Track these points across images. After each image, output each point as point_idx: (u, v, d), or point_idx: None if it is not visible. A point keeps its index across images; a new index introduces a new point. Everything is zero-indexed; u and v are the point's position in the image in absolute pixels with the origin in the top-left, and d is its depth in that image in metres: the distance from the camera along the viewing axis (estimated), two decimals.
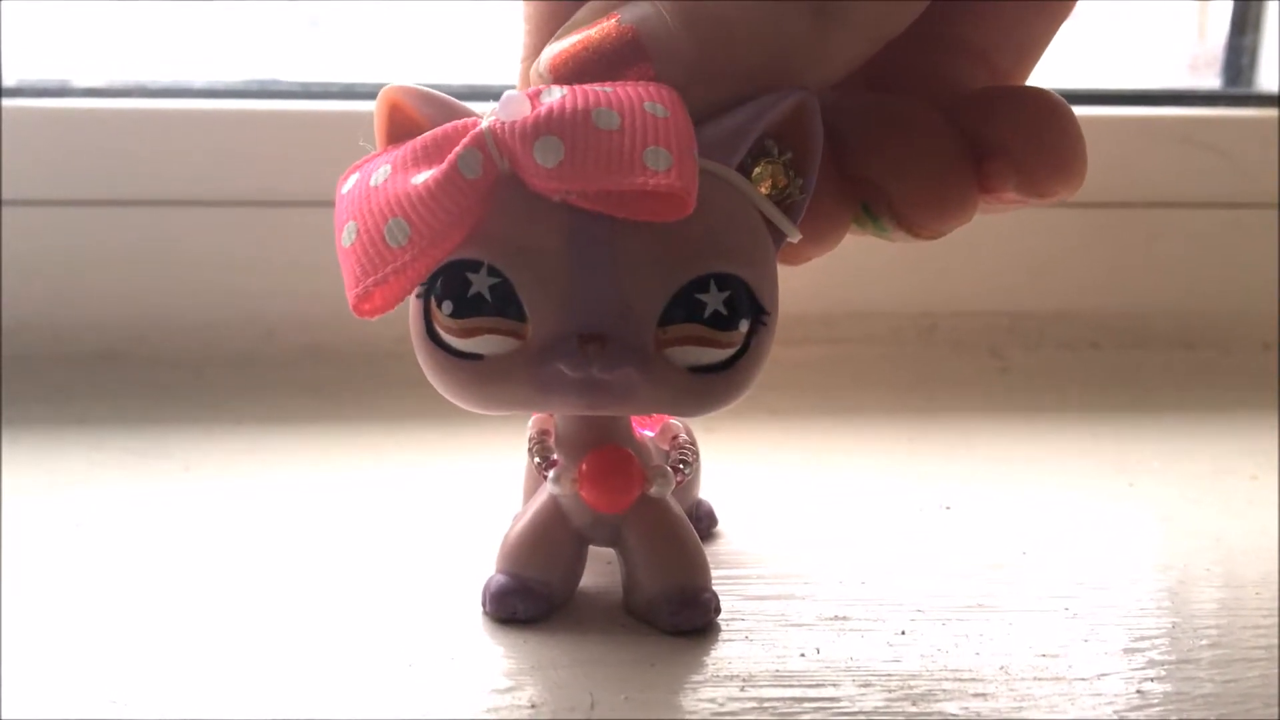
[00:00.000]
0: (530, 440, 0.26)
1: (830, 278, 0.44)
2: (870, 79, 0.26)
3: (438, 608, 0.27)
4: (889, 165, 0.24)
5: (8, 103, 0.41)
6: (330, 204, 0.23)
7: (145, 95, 0.43)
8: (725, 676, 0.24)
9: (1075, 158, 0.24)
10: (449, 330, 0.22)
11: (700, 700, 0.23)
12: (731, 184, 0.23)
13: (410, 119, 0.23)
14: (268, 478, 0.34)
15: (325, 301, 0.34)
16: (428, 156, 0.22)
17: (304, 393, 0.41)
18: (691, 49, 0.22)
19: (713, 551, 0.29)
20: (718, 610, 0.26)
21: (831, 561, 0.29)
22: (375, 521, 0.31)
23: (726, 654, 0.25)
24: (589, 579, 0.27)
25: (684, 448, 0.27)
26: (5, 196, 0.41)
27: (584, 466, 0.25)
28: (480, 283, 0.22)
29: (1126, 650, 0.26)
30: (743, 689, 0.24)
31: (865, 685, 0.24)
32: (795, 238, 0.24)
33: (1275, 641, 0.26)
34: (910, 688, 0.24)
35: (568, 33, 0.23)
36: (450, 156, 0.21)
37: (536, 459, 0.26)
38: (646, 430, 0.28)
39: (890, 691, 0.24)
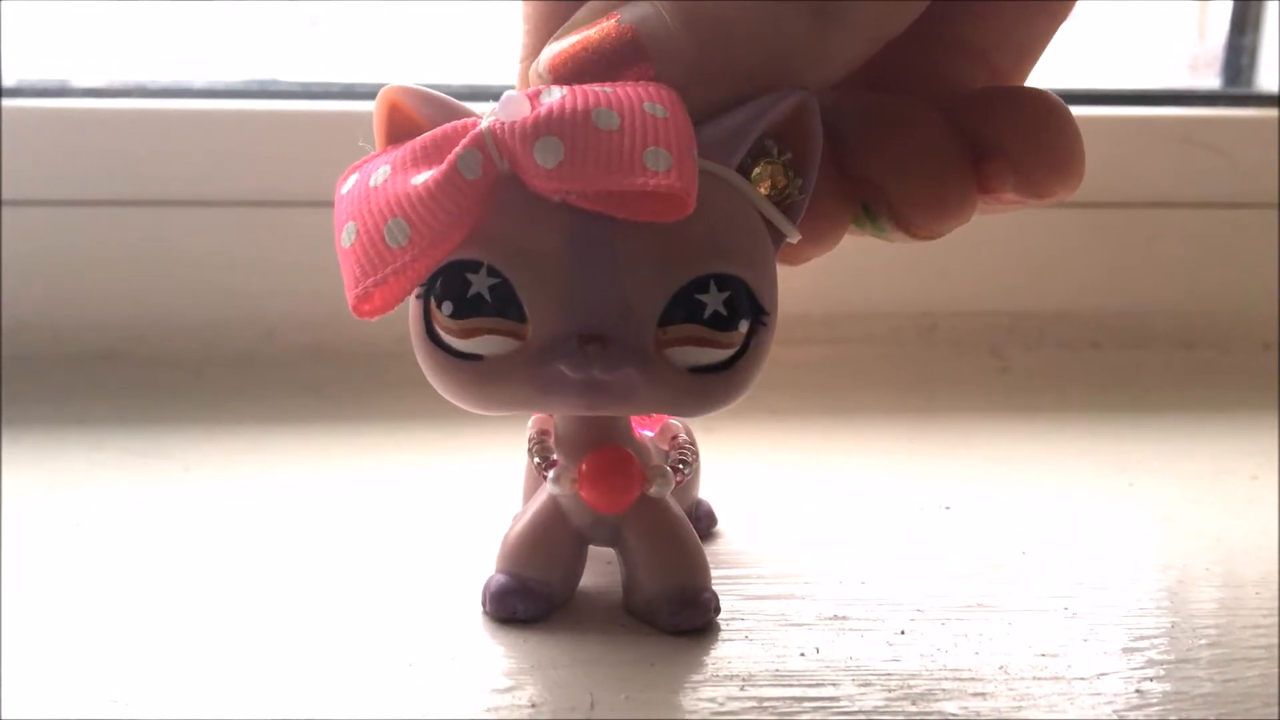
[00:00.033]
0: (530, 440, 0.26)
1: (830, 278, 0.44)
2: (870, 79, 0.26)
3: (438, 607, 0.27)
4: (889, 165, 0.24)
5: (8, 103, 0.41)
6: (330, 204, 0.23)
7: (145, 95, 0.43)
8: (725, 676, 0.24)
9: (1073, 158, 0.24)
10: (449, 331, 0.22)
11: (700, 700, 0.23)
12: (731, 184, 0.23)
13: (410, 119, 0.23)
14: (268, 478, 0.34)
15: (325, 301, 0.34)
16: (427, 157, 0.22)
17: (304, 393, 0.41)
18: (691, 49, 0.22)
19: (712, 551, 0.29)
20: (717, 610, 0.26)
21: (831, 561, 0.29)
22: (375, 521, 0.31)
23: (726, 653, 0.25)
24: (589, 579, 0.27)
25: (684, 448, 0.27)
26: (5, 196, 0.41)
27: (584, 466, 0.25)
28: (480, 283, 0.22)
29: (1126, 650, 0.26)
30: (742, 688, 0.24)
31: (865, 685, 0.24)
32: (795, 238, 0.24)
33: (1275, 641, 0.26)
34: (910, 687, 0.24)
35: (567, 33, 0.23)
36: (450, 157, 0.21)
37: (536, 459, 0.26)
38: (646, 430, 0.28)
39: (890, 691, 0.24)
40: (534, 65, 0.24)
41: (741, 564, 0.29)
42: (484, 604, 0.26)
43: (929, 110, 0.25)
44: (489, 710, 0.23)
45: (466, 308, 0.22)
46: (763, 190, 0.23)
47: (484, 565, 0.27)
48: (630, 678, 0.24)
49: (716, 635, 0.26)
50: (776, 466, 0.36)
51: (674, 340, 0.22)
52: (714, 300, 0.22)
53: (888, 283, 0.45)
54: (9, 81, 0.43)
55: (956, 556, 0.30)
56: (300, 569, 0.29)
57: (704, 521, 0.31)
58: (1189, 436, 0.39)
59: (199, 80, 0.44)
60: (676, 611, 0.26)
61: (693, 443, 0.28)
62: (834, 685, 0.24)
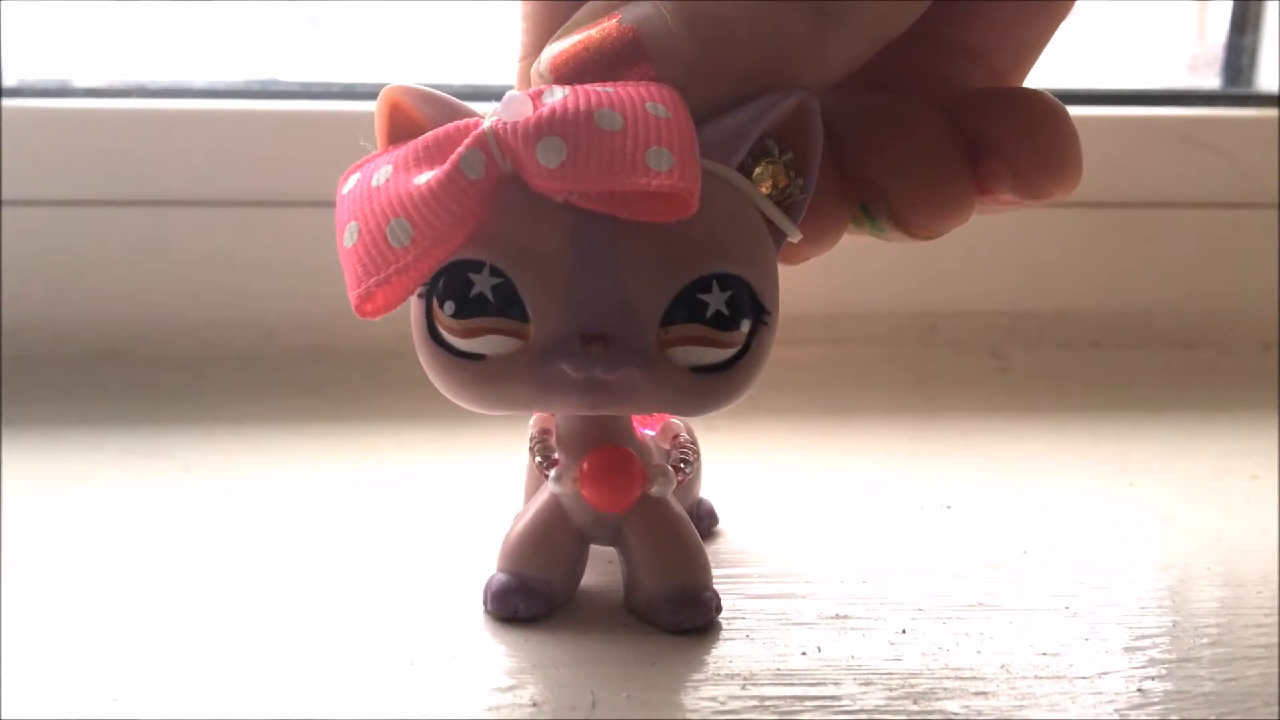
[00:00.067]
0: (531, 439, 0.26)
1: (831, 278, 0.44)
2: (870, 79, 0.26)
3: (439, 607, 0.27)
4: (888, 165, 0.24)
5: (8, 103, 0.41)
6: (331, 204, 0.23)
7: (145, 95, 0.43)
8: (726, 675, 0.24)
9: (1070, 159, 0.24)
10: (451, 330, 0.22)
11: (701, 699, 0.23)
12: (732, 184, 0.23)
13: (411, 119, 0.23)
14: (268, 478, 0.34)
15: (325, 301, 0.34)
16: (429, 157, 0.22)
17: (304, 393, 0.41)
18: (692, 49, 0.22)
19: (713, 550, 0.29)
20: (719, 609, 0.26)
21: (832, 560, 0.29)
22: (375, 521, 0.31)
23: (727, 652, 0.25)
24: (590, 578, 0.27)
25: (685, 447, 0.27)
26: (5, 196, 0.41)
27: (585, 466, 0.25)
28: (482, 283, 0.22)
29: (1127, 649, 0.26)
30: (744, 687, 0.24)
31: (866, 684, 0.24)
32: (795, 237, 0.24)
33: (1275, 640, 0.26)
34: (911, 686, 0.24)
35: (568, 32, 0.23)
36: (453, 157, 0.21)
37: (538, 458, 0.26)
38: (647, 429, 0.28)
39: (891, 690, 0.24)
40: (535, 64, 0.24)
41: (743, 563, 0.29)
42: (485, 603, 0.26)
43: (928, 110, 0.25)
44: (490, 709, 0.23)
45: (469, 307, 0.22)
46: (764, 190, 0.23)
47: (485, 564, 0.27)
48: (631, 677, 0.24)
49: (718, 634, 0.26)
50: (777, 466, 0.36)
51: (676, 340, 0.22)
52: (716, 300, 0.22)
53: (888, 283, 0.45)
54: (9, 81, 0.43)
55: (957, 556, 0.30)
56: (301, 569, 0.28)
57: (705, 520, 0.31)
58: (1189, 436, 0.39)
59: (199, 80, 0.44)
60: (678, 610, 0.26)
61: (694, 442, 0.28)
62: (835, 684, 0.24)
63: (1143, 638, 0.26)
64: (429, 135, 0.22)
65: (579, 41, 0.23)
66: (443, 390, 0.23)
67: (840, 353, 0.45)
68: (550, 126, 0.21)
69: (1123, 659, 0.25)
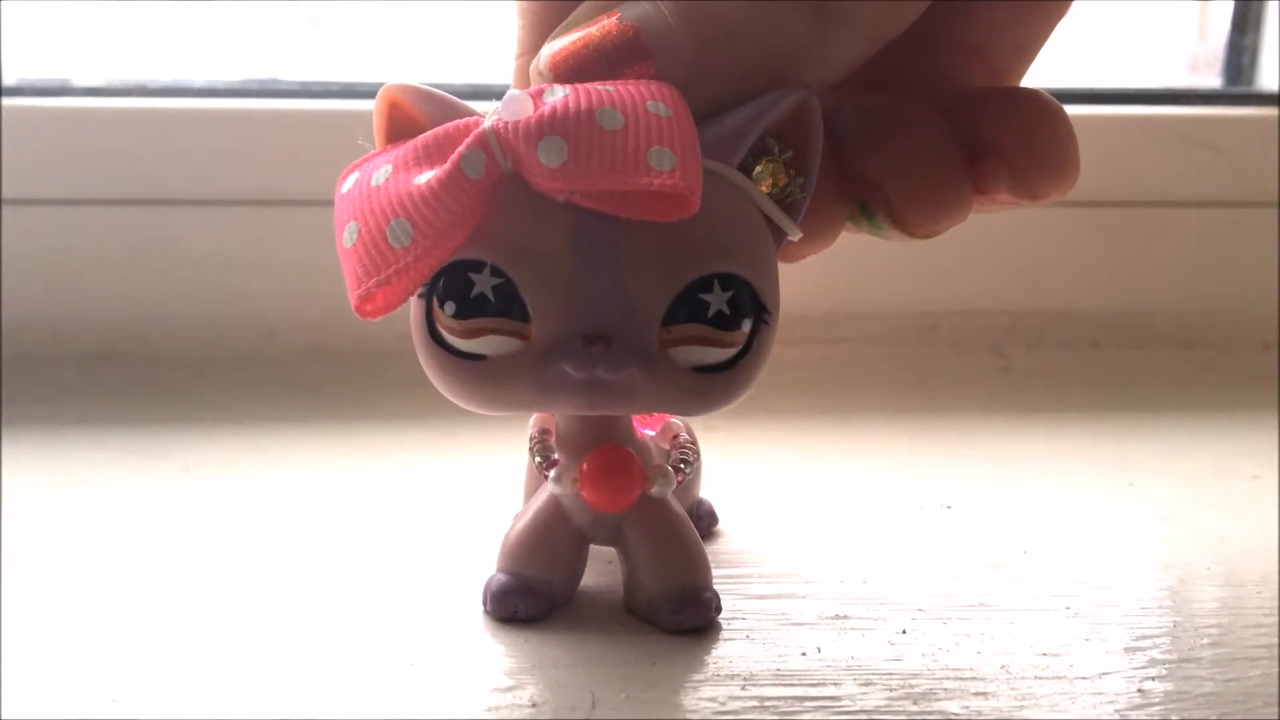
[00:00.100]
0: (531, 440, 0.26)
1: (831, 278, 0.44)
2: (870, 79, 0.26)
3: (439, 607, 0.27)
4: (887, 163, 0.24)
5: (8, 102, 0.41)
6: (330, 204, 0.23)
7: (145, 95, 0.43)
8: (726, 675, 0.24)
9: (1067, 160, 0.24)
10: (452, 331, 0.22)
11: (701, 699, 0.23)
12: (733, 183, 0.23)
13: (410, 118, 0.23)
14: (268, 478, 0.34)
15: (325, 301, 0.34)
16: (429, 156, 0.22)
17: (304, 393, 0.41)
18: (692, 47, 0.22)
19: (713, 550, 0.29)
20: (718, 609, 0.26)
21: (832, 561, 0.29)
22: (375, 521, 0.31)
23: (727, 653, 0.25)
24: (590, 578, 0.27)
25: (685, 447, 0.27)
26: (5, 196, 0.41)
27: (585, 466, 0.25)
28: (483, 283, 0.22)
29: (1127, 649, 0.26)
30: (744, 688, 0.24)
31: (866, 684, 0.24)
32: (796, 236, 0.24)
33: (1276, 640, 0.26)
34: (911, 686, 0.24)
35: (567, 30, 0.23)
36: (453, 156, 0.21)
37: (537, 458, 0.26)
38: (647, 429, 0.28)
39: (891, 690, 0.24)
40: (535, 62, 0.24)
41: (743, 563, 0.29)
42: (485, 603, 0.26)
43: (928, 110, 0.25)
44: (490, 709, 0.23)
45: (470, 308, 0.22)
46: (764, 189, 0.23)
47: (485, 565, 0.27)
48: (631, 677, 0.24)
49: (717, 634, 0.26)
50: (777, 466, 0.36)
51: (677, 340, 0.22)
52: (717, 300, 0.22)
53: (888, 283, 0.45)
54: (9, 81, 0.42)
55: (957, 556, 0.30)
56: (301, 569, 0.28)
57: (705, 521, 0.31)
58: (1189, 436, 0.39)
59: (199, 79, 0.43)
60: (677, 611, 0.26)
61: (694, 442, 0.28)
62: (835, 685, 0.24)
63: (1143, 638, 0.26)
64: (429, 134, 0.22)
65: (579, 39, 0.23)
66: (443, 391, 0.23)
67: (840, 353, 0.45)
68: (552, 126, 0.21)
69: (1123, 659, 0.25)
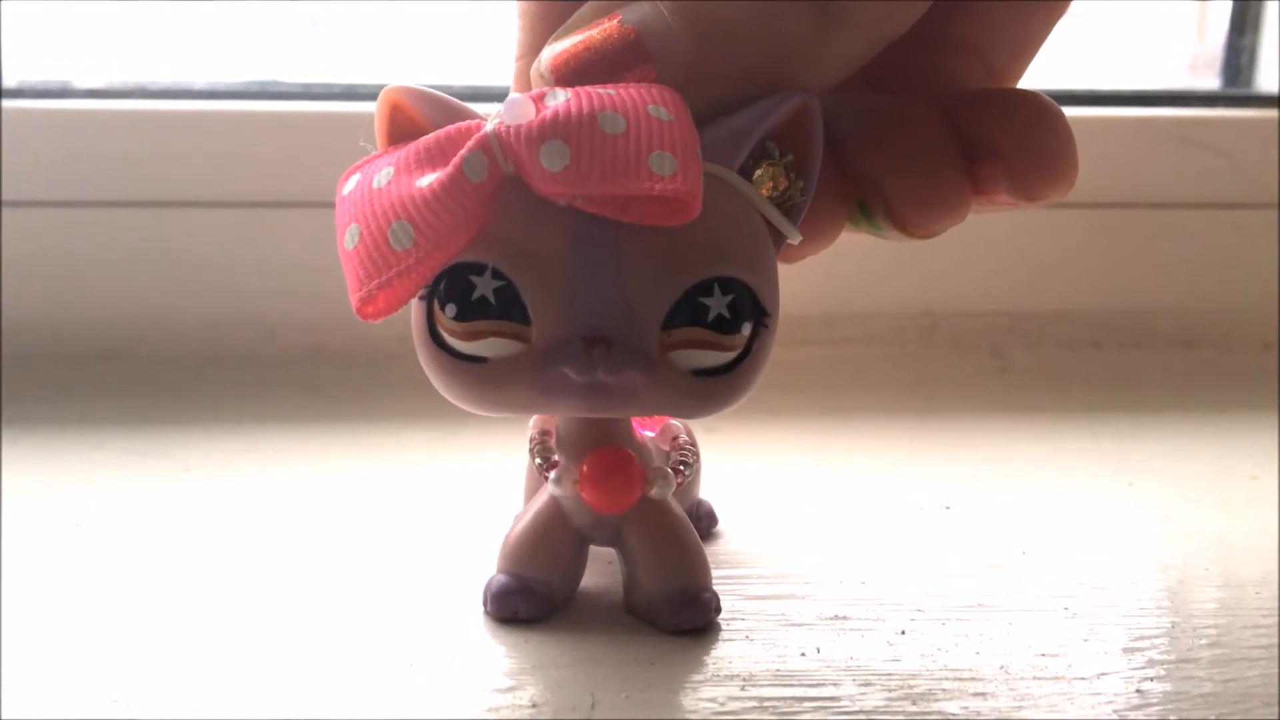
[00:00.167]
0: (531, 441, 0.26)
1: (831, 278, 0.44)
2: (870, 79, 0.26)
3: (439, 607, 0.27)
4: (886, 163, 0.24)
5: (8, 103, 0.41)
6: (331, 205, 0.23)
7: (146, 96, 0.43)
8: (726, 676, 0.24)
9: (1065, 161, 0.24)
10: (452, 333, 0.22)
11: (701, 699, 0.23)
12: (733, 187, 0.23)
13: (411, 120, 0.23)
14: (268, 478, 0.34)
15: (326, 302, 0.34)
16: (431, 159, 0.22)
17: (304, 393, 0.41)
18: (693, 49, 0.22)
19: (713, 551, 0.29)
20: (718, 610, 0.26)
21: (832, 561, 0.29)
22: (375, 521, 0.31)
23: (727, 653, 0.25)
24: (590, 579, 0.27)
25: (684, 448, 0.27)
26: (5, 197, 0.41)
27: (585, 467, 0.25)
28: (484, 286, 0.22)
29: (1126, 650, 0.26)
30: (743, 688, 0.24)
31: (865, 685, 0.24)
32: (796, 239, 0.24)
33: (1275, 641, 0.26)
34: (910, 687, 0.24)
35: (568, 33, 0.23)
36: (455, 159, 0.21)
37: (537, 460, 0.26)
38: (647, 431, 0.28)
39: (890, 691, 0.24)
40: (535, 65, 0.24)
41: (742, 564, 0.29)
42: (485, 604, 0.26)
43: (928, 110, 0.25)
44: (490, 710, 0.23)
45: (471, 310, 0.22)
46: (764, 192, 0.23)
47: (485, 565, 0.27)
48: (631, 677, 0.24)
49: (717, 635, 0.26)
50: (777, 466, 0.36)
51: (678, 343, 0.22)
52: (718, 303, 0.22)
53: (888, 283, 0.45)
54: (9, 82, 0.43)
55: (957, 556, 0.30)
56: (300, 569, 0.29)
57: (705, 521, 0.31)
58: (1189, 436, 0.39)
59: (200, 81, 0.44)
60: (677, 611, 0.26)
61: (693, 443, 0.28)
62: (834, 685, 0.24)
63: (1142, 638, 0.26)
64: (430, 137, 0.22)
65: (579, 42, 0.23)
66: (443, 392, 0.23)
67: (840, 353, 0.45)
68: (553, 130, 0.21)
69: (1122, 660, 0.25)
